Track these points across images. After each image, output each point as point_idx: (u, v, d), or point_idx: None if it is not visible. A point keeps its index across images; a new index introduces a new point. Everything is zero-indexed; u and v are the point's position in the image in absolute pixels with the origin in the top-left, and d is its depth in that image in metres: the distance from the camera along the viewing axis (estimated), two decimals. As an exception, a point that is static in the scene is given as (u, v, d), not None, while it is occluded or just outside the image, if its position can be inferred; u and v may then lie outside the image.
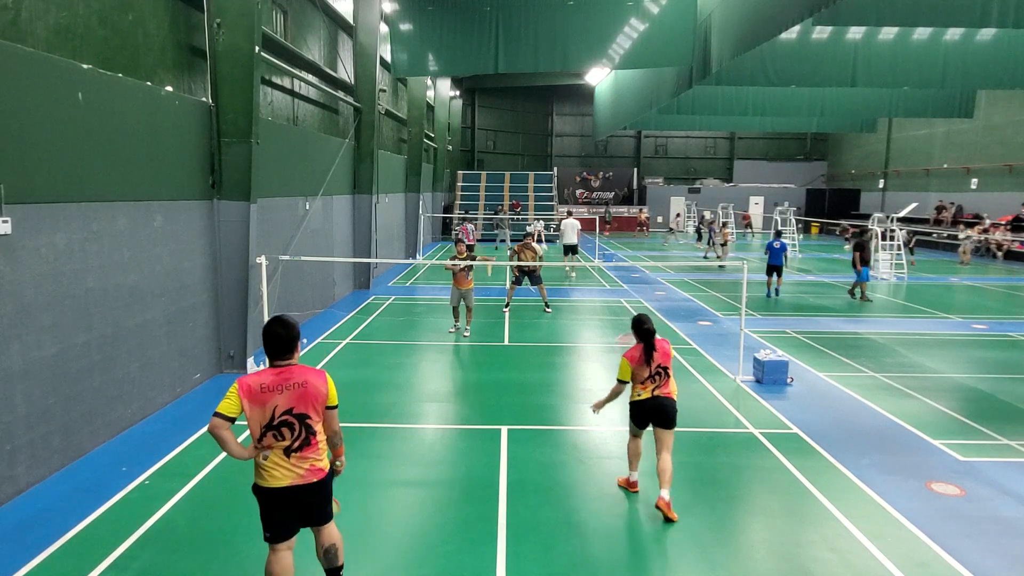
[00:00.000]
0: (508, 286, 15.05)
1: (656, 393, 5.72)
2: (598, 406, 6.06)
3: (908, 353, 11.01)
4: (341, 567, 4.18)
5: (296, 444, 3.83)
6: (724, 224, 26.73)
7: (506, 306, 14.62)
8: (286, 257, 10.54)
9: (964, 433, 7.53)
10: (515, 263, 13.13)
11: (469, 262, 11.47)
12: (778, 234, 17.00)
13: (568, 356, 10.79)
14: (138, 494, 5.83)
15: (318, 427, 3.91)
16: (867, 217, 28.52)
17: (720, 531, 5.34)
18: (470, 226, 22.48)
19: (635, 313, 6.10)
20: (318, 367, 9.06)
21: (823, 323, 13.41)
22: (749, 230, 38.51)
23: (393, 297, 16.16)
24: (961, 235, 25.36)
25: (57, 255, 6.10)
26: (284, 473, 3.83)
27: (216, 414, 3.73)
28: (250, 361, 9.55)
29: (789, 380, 9.27)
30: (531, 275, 14.68)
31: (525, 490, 5.98)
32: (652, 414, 5.75)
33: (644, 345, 5.73)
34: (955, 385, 9.30)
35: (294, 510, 3.92)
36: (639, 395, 5.78)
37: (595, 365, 10.28)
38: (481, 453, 6.83)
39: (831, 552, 5.02)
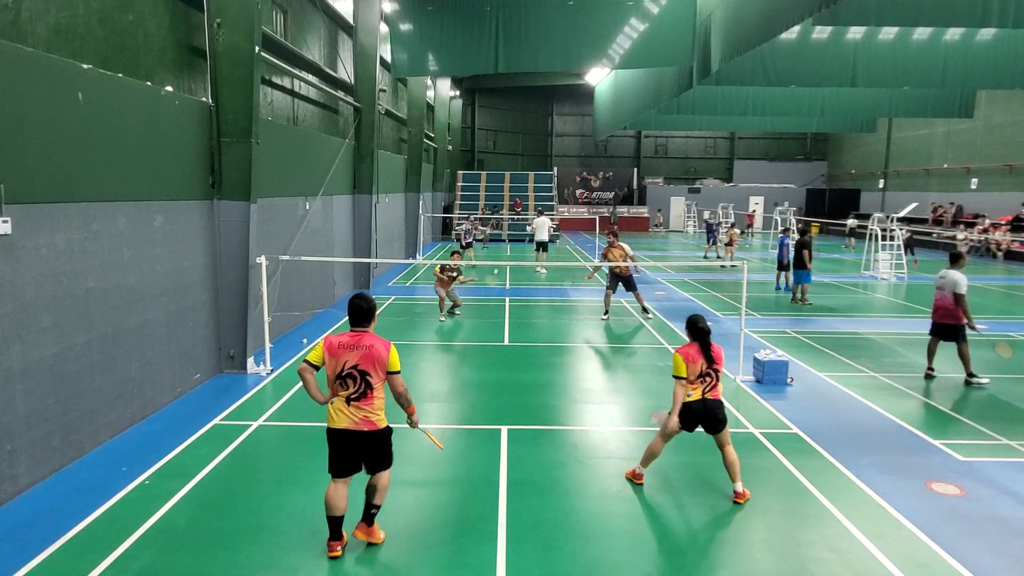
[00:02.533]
0: (605, 292, 13.84)
1: (707, 395, 5.72)
2: (668, 418, 5.78)
3: (908, 353, 11.01)
4: (375, 506, 4.99)
5: (355, 395, 4.71)
6: (732, 224, 26.55)
7: (605, 314, 13.49)
8: (286, 257, 10.55)
9: (964, 433, 7.53)
10: (603, 263, 12.92)
11: (456, 271, 12.81)
12: (785, 231, 17.12)
13: (568, 356, 10.78)
14: (138, 494, 5.83)
15: (376, 385, 4.76)
16: (867, 217, 28.52)
17: (720, 531, 5.34)
18: (465, 226, 22.22)
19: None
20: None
21: (823, 323, 13.41)
22: (750, 230, 38.47)
23: (393, 297, 16.16)
24: (959, 235, 25.32)
25: (57, 255, 6.10)
26: (343, 417, 4.73)
27: (305, 361, 4.76)
28: (250, 361, 9.55)
29: (789, 380, 9.27)
30: (626, 281, 13.27)
31: (525, 490, 5.98)
32: (701, 418, 5.74)
33: (700, 344, 5.72)
34: (955, 385, 9.30)
35: (351, 452, 4.79)
36: (688, 395, 5.73)
37: (595, 365, 10.28)
38: (481, 453, 6.82)
39: (831, 552, 5.02)
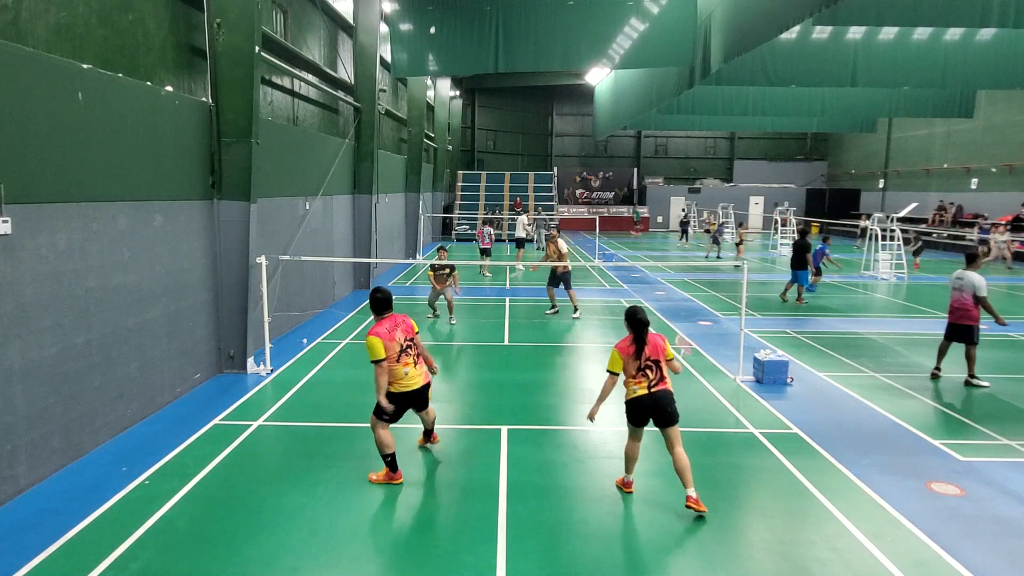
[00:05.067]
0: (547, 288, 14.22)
1: (654, 389, 5.60)
2: (593, 413, 5.88)
3: (908, 353, 11.01)
4: (432, 425, 6.81)
5: (416, 356, 6.12)
6: (740, 224, 26.26)
7: (551, 309, 13.90)
8: (286, 257, 10.55)
9: (964, 433, 7.53)
10: (548, 263, 13.27)
11: (448, 267, 12.74)
12: (825, 239, 17.24)
13: (568, 356, 10.78)
14: (138, 494, 5.83)
15: (419, 346, 6.23)
16: (867, 217, 28.47)
17: (720, 531, 5.34)
18: (488, 229, 20.63)
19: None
20: (319, 366, 9.00)
21: (823, 323, 13.41)
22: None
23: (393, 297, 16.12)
24: (999, 237, 24.43)
25: (57, 255, 6.10)
26: (418, 378, 6.09)
27: (376, 362, 5.81)
28: (250, 361, 9.55)
29: (789, 380, 9.27)
30: (561, 278, 13.54)
31: (525, 490, 5.98)
32: (652, 411, 5.62)
33: (634, 336, 5.64)
34: (955, 385, 9.30)
35: (413, 403, 6.15)
36: (635, 392, 5.64)
37: (595, 365, 10.27)
38: (481, 453, 6.83)
39: (831, 552, 5.02)
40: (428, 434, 6.88)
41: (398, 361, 5.92)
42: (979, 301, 9.00)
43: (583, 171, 44.63)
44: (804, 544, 5.14)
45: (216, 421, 7.61)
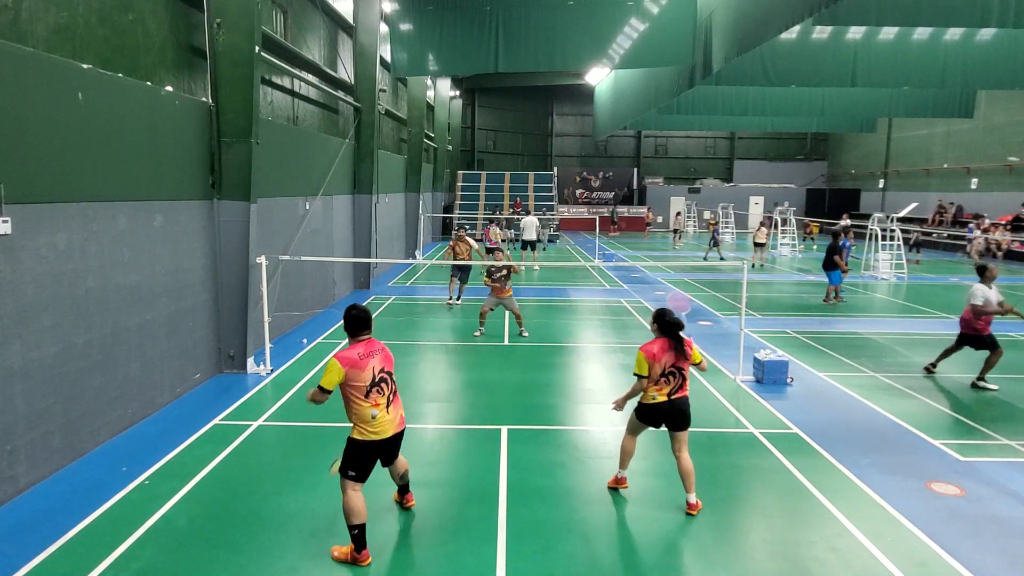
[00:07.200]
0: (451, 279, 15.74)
1: (674, 396, 5.53)
2: (620, 404, 5.82)
3: (908, 353, 11.01)
4: (407, 480, 5.58)
5: (391, 395, 4.88)
6: (761, 224, 25.45)
7: (451, 298, 14.99)
8: (286, 257, 10.55)
9: (964, 433, 7.53)
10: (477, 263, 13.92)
11: (505, 265, 11.75)
12: (844, 233, 17.33)
13: (568, 356, 10.78)
14: (138, 494, 5.83)
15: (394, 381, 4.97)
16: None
17: (720, 531, 5.34)
18: (496, 228, 19.87)
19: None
20: (319, 366, 9.01)
21: (823, 323, 13.41)
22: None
23: (393, 297, 16.16)
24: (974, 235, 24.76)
25: (57, 255, 6.09)
26: (389, 425, 4.84)
27: (321, 388, 4.69)
28: (250, 361, 9.55)
29: (789, 380, 9.26)
30: (463, 270, 14.98)
31: (525, 490, 5.98)
32: (668, 417, 5.57)
33: (670, 339, 5.49)
34: (955, 385, 9.30)
35: (384, 454, 4.96)
36: (654, 397, 5.54)
37: (595, 365, 10.28)
38: (481, 453, 6.82)
39: (831, 552, 5.02)
40: (403, 491, 5.65)
41: (366, 398, 4.70)
42: (971, 310, 9.06)
43: (583, 171, 44.63)
44: (804, 544, 5.14)
45: (216, 421, 7.61)
